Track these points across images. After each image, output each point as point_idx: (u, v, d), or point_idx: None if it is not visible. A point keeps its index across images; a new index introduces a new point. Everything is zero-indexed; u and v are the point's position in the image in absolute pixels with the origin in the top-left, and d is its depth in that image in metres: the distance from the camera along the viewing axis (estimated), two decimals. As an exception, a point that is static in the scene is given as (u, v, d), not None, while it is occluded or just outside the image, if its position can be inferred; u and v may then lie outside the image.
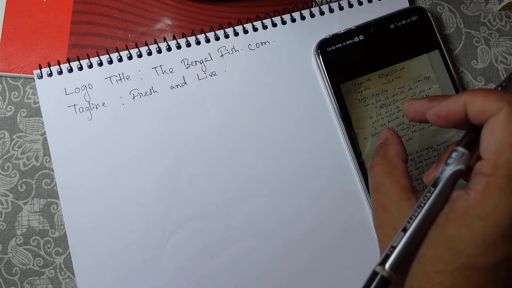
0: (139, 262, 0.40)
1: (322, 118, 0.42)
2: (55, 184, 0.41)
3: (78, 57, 0.41)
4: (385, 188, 0.29)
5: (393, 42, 0.41)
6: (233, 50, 0.42)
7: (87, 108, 0.41)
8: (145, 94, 0.41)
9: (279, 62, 0.42)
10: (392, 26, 0.41)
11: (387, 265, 0.26)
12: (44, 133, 0.41)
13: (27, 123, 0.42)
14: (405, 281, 0.27)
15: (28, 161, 0.41)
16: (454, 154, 0.26)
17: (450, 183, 0.26)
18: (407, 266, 0.27)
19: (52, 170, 0.41)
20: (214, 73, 0.42)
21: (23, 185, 0.41)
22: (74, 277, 0.40)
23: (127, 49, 0.42)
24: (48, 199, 0.41)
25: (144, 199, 0.40)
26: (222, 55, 0.42)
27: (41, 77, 0.41)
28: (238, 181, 0.41)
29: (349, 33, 0.41)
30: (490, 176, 0.24)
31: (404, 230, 0.26)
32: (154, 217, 0.40)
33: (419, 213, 0.26)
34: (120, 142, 0.41)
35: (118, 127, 0.41)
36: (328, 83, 0.41)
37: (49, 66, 0.41)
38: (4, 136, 0.42)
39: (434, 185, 0.26)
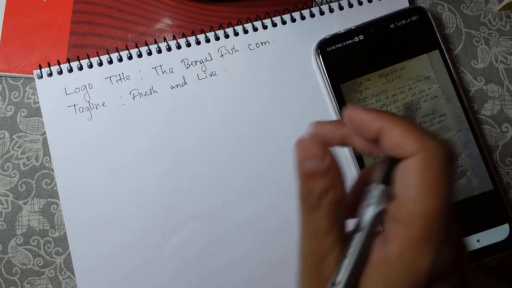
0: (139, 262, 0.40)
1: (322, 118, 0.41)
2: (55, 184, 0.41)
3: (78, 57, 0.41)
4: (320, 252, 0.25)
5: (393, 42, 0.41)
6: (233, 50, 0.42)
7: (87, 108, 0.41)
8: (145, 94, 0.41)
9: (279, 62, 0.42)
10: (392, 26, 0.41)
11: None
12: (44, 133, 0.41)
13: (27, 123, 0.42)
14: None
15: (28, 161, 0.41)
16: (375, 192, 0.24)
17: (374, 225, 0.24)
18: None
19: (52, 170, 0.41)
20: (214, 73, 0.42)
21: (23, 185, 0.41)
22: (74, 277, 0.40)
23: (127, 49, 0.42)
24: (48, 199, 0.41)
25: (144, 199, 0.40)
26: (222, 55, 0.42)
27: (41, 77, 0.41)
28: (238, 181, 0.41)
29: (349, 33, 0.41)
30: (407, 225, 0.23)
31: (333, 285, 0.23)
32: (154, 217, 0.40)
33: (346, 265, 0.23)
34: (120, 142, 0.41)
35: (118, 127, 0.41)
36: (328, 83, 0.41)
37: (49, 66, 0.41)
38: (4, 136, 0.42)
39: (357, 229, 0.24)
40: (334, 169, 0.26)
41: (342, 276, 0.23)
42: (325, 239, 0.25)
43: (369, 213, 0.24)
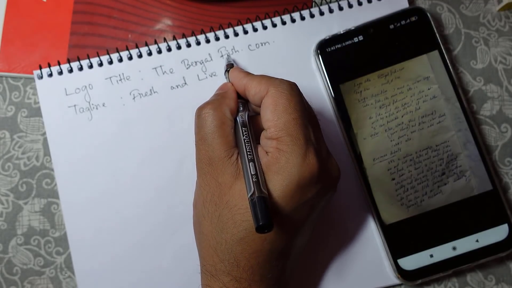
0: (140, 262, 0.40)
1: (321, 118, 0.42)
2: (56, 184, 0.41)
3: (78, 57, 0.42)
4: (213, 141, 0.33)
5: (393, 43, 0.41)
6: (233, 50, 0.42)
7: (87, 108, 0.41)
8: (146, 95, 0.41)
9: (279, 63, 0.42)
10: (391, 26, 0.42)
11: (261, 188, 0.29)
12: (45, 133, 0.41)
13: (28, 123, 0.42)
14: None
15: (29, 161, 0.41)
16: (240, 105, 0.35)
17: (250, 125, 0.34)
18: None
19: (53, 170, 0.41)
20: (214, 74, 0.42)
21: (24, 185, 0.41)
22: (75, 276, 0.40)
23: (127, 49, 0.42)
24: (49, 199, 0.41)
25: (145, 199, 0.40)
26: (222, 56, 0.42)
27: (42, 77, 0.41)
28: (238, 181, 0.41)
29: (348, 34, 0.41)
30: (277, 138, 0.31)
31: (253, 161, 0.31)
32: (154, 217, 0.40)
33: (247, 147, 0.32)
34: (120, 142, 0.41)
35: (119, 127, 0.41)
36: (328, 84, 0.41)
37: (50, 66, 0.41)
38: (4, 136, 0.42)
39: (244, 124, 0.33)
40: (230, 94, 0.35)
41: (254, 170, 0.30)
42: (228, 151, 0.33)
43: (245, 116, 0.34)
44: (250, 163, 0.30)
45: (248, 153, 0.31)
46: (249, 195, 0.29)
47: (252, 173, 0.30)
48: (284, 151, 0.31)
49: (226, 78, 0.38)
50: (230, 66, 0.39)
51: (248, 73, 0.35)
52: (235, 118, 0.34)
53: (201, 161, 0.33)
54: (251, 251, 0.31)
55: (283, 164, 0.30)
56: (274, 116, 0.31)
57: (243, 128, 0.32)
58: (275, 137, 0.31)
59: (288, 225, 0.31)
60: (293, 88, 0.33)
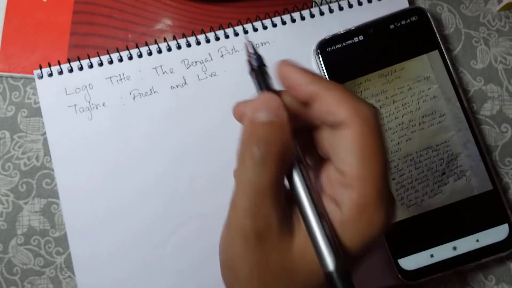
0: (139, 262, 0.40)
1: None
2: (56, 184, 0.41)
3: (78, 57, 0.42)
4: (262, 213, 0.24)
5: (393, 43, 0.41)
6: (233, 50, 0.42)
7: (87, 108, 0.41)
8: (146, 94, 0.41)
9: (279, 62, 0.42)
10: (391, 26, 0.42)
11: (343, 261, 0.23)
12: (45, 133, 0.41)
13: (28, 123, 0.42)
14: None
15: (29, 161, 0.41)
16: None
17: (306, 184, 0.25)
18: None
19: (53, 170, 0.41)
20: (214, 74, 0.42)
21: (24, 185, 0.41)
22: (75, 276, 0.40)
23: (128, 49, 0.42)
24: (49, 199, 0.41)
25: (144, 199, 0.40)
26: (222, 56, 0.42)
27: (42, 77, 0.41)
28: (238, 181, 0.41)
29: (349, 34, 0.41)
30: (359, 189, 0.24)
31: (323, 218, 0.24)
32: (154, 217, 0.40)
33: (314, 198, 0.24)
34: (120, 142, 0.41)
35: (119, 127, 0.41)
36: (328, 83, 0.41)
37: (50, 66, 0.41)
38: (4, 136, 0.42)
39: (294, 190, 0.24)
40: (287, 126, 0.25)
41: (320, 232, 0.23)
42: (265, 196, 0.24)
43: (296, 176, 0.24)
44: (324, 222, 0.24)
45: (317, 208, 0.24)
46: (327, 270, 0.23)
47: (328, 235, 0.23)
48: (366, 207, 0.24)
49: (253, 79, 0.28)
50: (260, 61, 0.28)
51: (314, 75, 0.25)
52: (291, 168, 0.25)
53: (246, 229, 0.24)
54: None
55: (365, 225, 0.24)
56: (359, 161, 0.23)
57: (305, 185, 0.24)
58: (356, 186, 0.24)
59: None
60: (379, 120, 0.24)
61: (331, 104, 0.24)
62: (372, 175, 0.23)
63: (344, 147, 0.24)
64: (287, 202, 0.25)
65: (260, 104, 0.25)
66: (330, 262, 0.23)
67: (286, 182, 0.25)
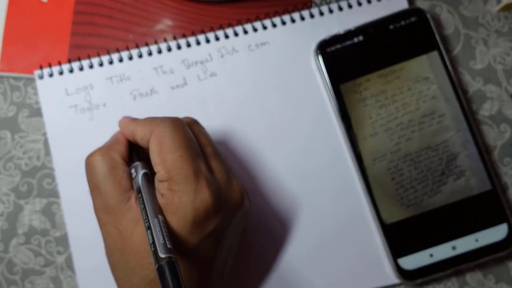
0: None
1: (321, 119, 0.42)
2: (57, 183, 0.41)
3: (79, 57, 0.42)
4: (106, 187, 0.32)
5: (392, 43, 0.42)
6: (233, 50, 0.42)
7: (88, 108, 0.41)
8: (146, 95, 0.42)
9: (279, 63, 0.42)
10: (391, 27, 0.42)
11: (164, 252, 0.28)
12: (46, 133, 0.41)
13: (29, 123, 0.42)
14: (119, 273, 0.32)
15: (30, 161, 0.41)
16: (132, 170, 0.33)
17: (148, 185, 0.32)
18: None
19: (54, 170, 0.41)
20: (214, 74, 0.42)
21: (25, 184, 0.41)
22: (76, 276, 0.40)
23: (128, 49, 0.42)
24: (50, 199, 0.41)
25: (145, 198, 0.40)
26: (222, 56, 0.42)
27: (42, 77, 0.41)
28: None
29: (348, 34, 0.42)
30: (168, 179, 0.31)
31: (149, 228, 0.29)
32: (155, 217, 0.40)
33: (143, 214, 0.30)
34: (121, 142, 0.41)
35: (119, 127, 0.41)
36: (328, 84, 0.41)
37: (50, 66, 0.41)
38: (6, 136, 0.42)
39: (139, 191, 0.31)
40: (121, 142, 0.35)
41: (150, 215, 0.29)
42: (124, 196, 0.32)
43: (139, 178, 0.32)
44: (148, 232, 0.29)
45: (145, 221, 0.29)
46: (155, 267, 0.27)
47: (150, 242, 0.28)
48: (175, 190, 0.30)
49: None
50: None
51: (135, 119, 0.35)
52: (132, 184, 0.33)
53: (98, 210, 0.33)
54: None
55: (177, 204, 0.30)
56: (160, 158, 0.31)
57: (138, 195, 0.31)
58: (165, 179, 0.31)
59: (196, 261, 0.31)
60: (175, 124, 0.32)
61: (140, 131, 0.33)
62: (172, 164, 0.31)
63: (151, 153, 0.32)
64: (135, 196, 0.32)
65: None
66: (154, 260, 0.28)
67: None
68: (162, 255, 0.27)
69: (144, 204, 0.30)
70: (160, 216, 0.30)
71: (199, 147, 0.33)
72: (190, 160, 0.31)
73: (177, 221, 0.30)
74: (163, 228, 0.29)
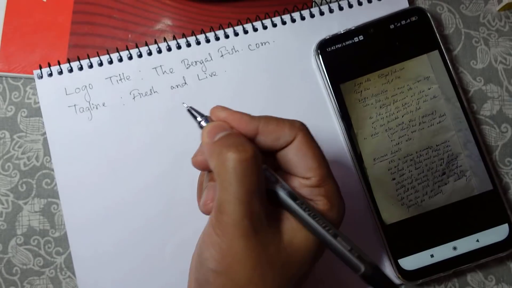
0: (140, 262, 0.40)
1: (321, 118, 0.42)
2: (56, 184, 0.41)
3: (78, 57, 0.42)
4: (235, 214, 0.26)
5: (393, 43, 0.41)
6: (233, 50, 0.42)
7: (87, 108, 0.41)
8: (145, 94, 0.41)
9: (279, 62, 0.42)
10: (391, 26, 0.42)
11: (368, 260, 0.27)
12: (45, 133, 0.41)
13: (28, 123, 0.42)
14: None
15: (29, 161, 0.41)
16: (267, 173, 0.29)
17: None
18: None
19: (53, 170, 0.41)
20: (214, 74, 0.42)
21: (24, 185, 0.41)
22: (75, 277, 0.40)
23: (127, 49, 0.42)
24: (49, 199, 0.41)
25: (144, 199, 0.40)
26: (222, 55, 0.42)
27: (41, 77, 0.41)
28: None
29: (349, 34, 0.41)
30: (324, 186, 0.29)
31: (338, 235, 0.28)
32: (154, 217, 0.40)
33: (321, 222, 0.28)
34: (120, 142, 0.41)
35: (118, 127, 0.41)
36: (328, 83, 0.41)
37: (49, 66, 0.41)
38: (4, 136, 0.42)
39: (293, 198, 0.28)
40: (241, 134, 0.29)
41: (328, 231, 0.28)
42: (253, 196, 0.27)
43: (283, 196, 0.28)
44: (339, 239, 0.28)
45: (327, 228, 0.28)
46: (361, 273, 0.27)
47: (348, 248, 0.28)
48: (333, 198, 0.30)
49: (203, 131, 0.31)
50: (203, 117, 0.32)
51: (252, 116, 0.30)
52: (274, 190, 0.28)
53: (238, 228, 0.27)
54: None
55: (336, 212, 0.30)
56: (316, 163, 0.29)
57: (297, 202, 0.28)
58: (322, 185, 0.29)
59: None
60: (309, 131, 0.30)
61: (275, 130, 0.29)
62: (327, 171, 0.29)
63: (299, 157, 0.29)
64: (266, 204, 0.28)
65: (211, 127, 0.30)
66: (359, 270, 0.27)
67: None
68: (368, 259, 0.27)
69: (314, 212, 0.28)
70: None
71: None
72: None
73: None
74: (346, 236, 0.28)
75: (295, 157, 0.29)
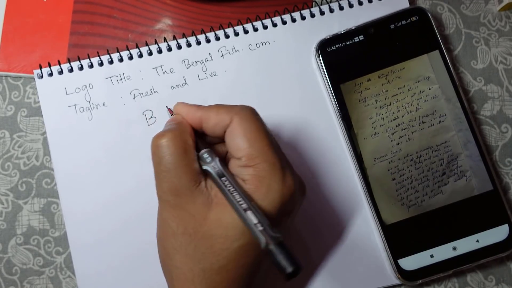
0: (140, 262, 0.40)
1: (322, 118, 0.42)
2: (55, 183, 0.41)
3: (78, 57, 0.42)
4: (178, 170, 0.31)
5: (393, 42, 0.41)
6: (233, 50, 0.42)
7: (87, 108, 0.41)
8: (146, 94, 0.41)
9: (279, 62, 0.42)
10: (392, 26, 0.42)
11: (272, 233, 0.28)
12: (45, 132, 0.41)
13: (28, 123, 0.42)
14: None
15: (29, 161, 0.41)
16: (205, 155, 0.32)
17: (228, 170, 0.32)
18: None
19: (52, 170, 0.41)
20: (214, 73, 0.42)
21: (24, 184, 0.41)
22: (75, 276, 0.40)
23: (128, 49, 0.42)
24: (48, 199, 0.41)
25: (145, 198, 0.40)
26: (222, 55, 0.42)
27: (42, 77, 0.41)
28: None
29: (349, 33, 0.41)
30: (253, 166, 0.31)
31: (250, 209, 0.29)
32: (155, 217, 0.40)
33: (237, 197, 0.29)
34: (120, 142, 0.41)
35: (119, 127, 0.41)
36: (328, 83, 0.41)
37: (50, 66, 0.41)
38: (4, 135, 0.42)
39: (221, 175, 0.31)
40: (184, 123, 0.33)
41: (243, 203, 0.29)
42: (195, 180, 0.31)
43: (217, 164, 0.31)
44: (249, 212, 0.29)
45: (240, 203, 0.29)
46: (263, 246, 0.28)
47: (255, 222, 0.28)
48: (263, 177, 0.30)
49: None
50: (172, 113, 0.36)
51: (199, 106, 0.34)
52: (205, 169, 0.32)
53: (166, 192, 0.32)
54: (230, 280, 0.30)
55: (265, 191, 0.30)
56: (246, 144, 0.31)
57: (222, 179, 0.31)
58: (250, 165, 0.31)
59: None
60: (255, 113, 0.33)
61: (214, 117, 0.32)
62: (259, 151, 0.31)
63: (232, 139, 0.31)
64: (205, 181, 0.31)
65: (168, 120, 0.35)
66: (262, 242, 0.28)
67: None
68: (273, 234, 0.28)
69: (234, 188, 0.30)
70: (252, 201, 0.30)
71: None
72: (275, 148, 0.32)
73: (264, 208, 0.30)
74: (260, 211, 0.29)
75: (228, 139, 0.32)
